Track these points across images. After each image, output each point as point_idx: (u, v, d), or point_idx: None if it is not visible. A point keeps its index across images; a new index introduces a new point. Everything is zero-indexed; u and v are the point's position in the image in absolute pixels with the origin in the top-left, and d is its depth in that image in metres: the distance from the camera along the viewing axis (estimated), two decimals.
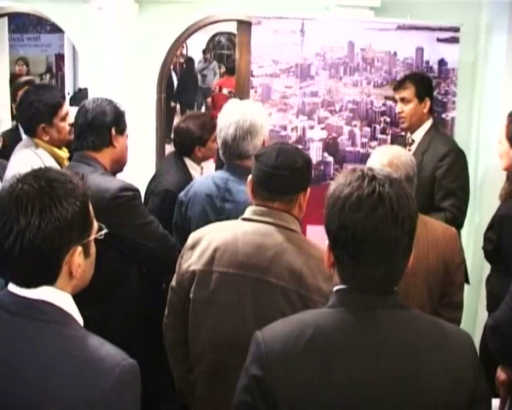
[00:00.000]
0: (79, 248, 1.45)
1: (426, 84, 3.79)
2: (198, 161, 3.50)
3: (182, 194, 2.80)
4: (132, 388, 1.36)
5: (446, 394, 1.39)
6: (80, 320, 1.48)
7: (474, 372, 1.43)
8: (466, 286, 2.69)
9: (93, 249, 1.53)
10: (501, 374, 2.48)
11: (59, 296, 1.43)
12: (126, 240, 2.59)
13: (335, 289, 1.49)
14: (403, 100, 3.73)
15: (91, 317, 2.54)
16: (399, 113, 3.76)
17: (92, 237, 1.50)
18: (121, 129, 2.76)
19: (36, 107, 3.09)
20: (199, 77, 11.53)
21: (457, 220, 3.50)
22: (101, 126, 2.69)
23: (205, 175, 2.91)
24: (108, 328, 2.57)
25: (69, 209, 1.40)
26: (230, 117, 2.65)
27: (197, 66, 11.74)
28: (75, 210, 1.41)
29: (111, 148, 2.72)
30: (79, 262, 1.45)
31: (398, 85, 3.79)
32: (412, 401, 1.38)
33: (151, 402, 2.91)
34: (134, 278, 2.68)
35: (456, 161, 3.61)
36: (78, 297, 2.58)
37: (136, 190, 2.68)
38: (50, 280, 1.43)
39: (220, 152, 2.73)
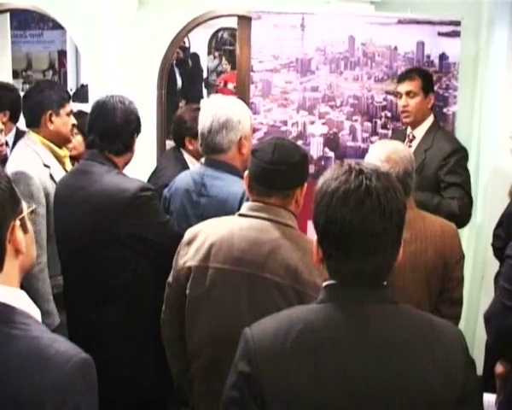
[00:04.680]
0: (17, 223, 1.45)
1: (430, 79, 3.77)
2: (194, 155, 3.50)
3: (166, 190, 2.85)
4: (84, 383, 1.33)
5: (436, 390, 1.38)
6: (37, 315, 1.44)
7: (464, 369, 1.42)
8: (468, 282, 2.68)
9: (29, 226, 1.53)
10: (498, 367, 2.48)
11: (5, 292, 1.40)
12: (145, 239, 2.60)
13: (324, 284, 1.49)
14: (408, 93, 3.66)
15: (109, 317, 2.60)
16: (404, 106, 3.68)
17: (25, 212, 1.50)
18: (139, 133, 2.80)
19: (47, 93, 3.11)
20: (214, 74, 11.49)
21: (468, 209, 3.48)
22: (130, 134, 2.73)
23: (186, 171, 2.94)
24: (125, 327, 2.61)
25: None
26: (209, 110, 2.69)
27: (209, 64, 11.71)
28: (1, 188, 1.41)
29: (129, 153, 2.77)
30: (20, 237, 1.45)
31: (405, 77, 3.72)
32: (401, 397, 1.37)
33: (159, 401, 2.91)
34: (150, 277, 2.67)
35: (461, 160, 3.57)
36: (94, 298, 2.62)
37: (154, 190, 2.70)
38: None
39: (198, 144, 2.76)
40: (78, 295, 2.72)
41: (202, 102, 10.04)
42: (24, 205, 1.52)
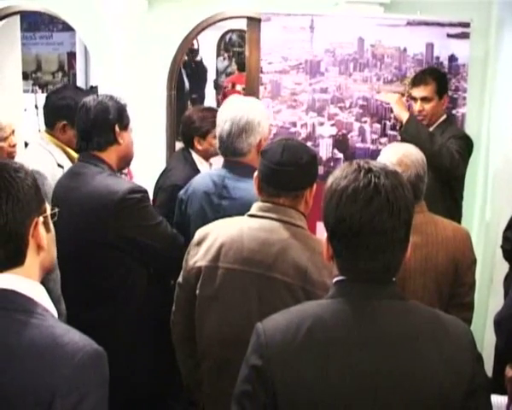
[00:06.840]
0: (41, 219, 1.48)
1: (444, 80, 3.77)
2: (202, 155, 3.49)
3: (181, 192, 2.80)
4: (95, 373, 1.35)
5: (443, 385, 1.39)
6: (53, 310, 1.48)
7: (472, 364, 1.43)
8: (476, 285, 2.67)
9: (52, 226, 1.56)
10: (509, 371, 2.47)
11: (26, 285, 1.43)
12: (135, 241, 2.59)
13: (334, 280, 1.51)
14: (424, 99, 3.68)
15: (101, 317, 2.60)
16: (420, 111, 3.70)
17: (49, 212, 1.54)
18: (124, 124, 2.72)
19: (67, 102, 3.11)
20: (223, 75, 11.53)
21: (454, 156, 3.45)
22: (105, 125, 2.65)
23: (203, 173, 2.91)
24: (118, 328, 2.62)
25: (23, 183, 1.44)
26: (228, 113, 2.63)
27: (219, 65, 11.76)
28: (28, 184, 1.45)
29: (116, 145, 2.68)
30: (43, 233, 1.49)
31: (419, 81, 3.73)
32: (408, 392, 1.39)
33: (161, 399, 2.92)
34: (142, 278, 2.68)
35: (462, 144, 3.57)
36: (86, 298, 2.63)
37: (145, 192, 2.67)
38: (19, 259, 1.44)
39: (217, 146, 2.72)
40: (72, 295, 2.71)
41: (206, 102, 10.06)
42: (47, 205, 1.54)
